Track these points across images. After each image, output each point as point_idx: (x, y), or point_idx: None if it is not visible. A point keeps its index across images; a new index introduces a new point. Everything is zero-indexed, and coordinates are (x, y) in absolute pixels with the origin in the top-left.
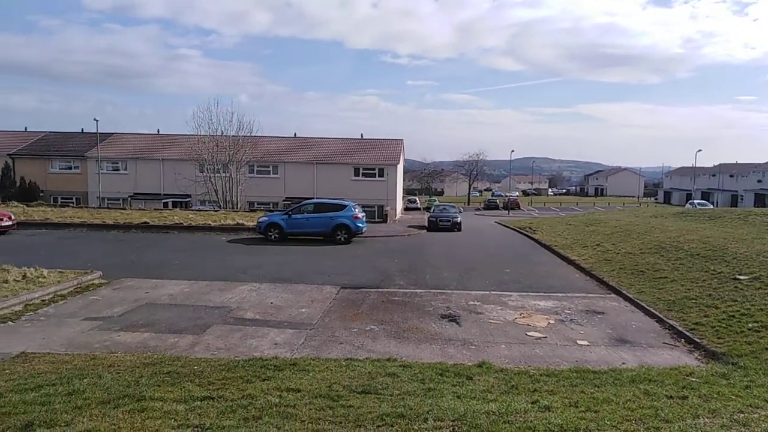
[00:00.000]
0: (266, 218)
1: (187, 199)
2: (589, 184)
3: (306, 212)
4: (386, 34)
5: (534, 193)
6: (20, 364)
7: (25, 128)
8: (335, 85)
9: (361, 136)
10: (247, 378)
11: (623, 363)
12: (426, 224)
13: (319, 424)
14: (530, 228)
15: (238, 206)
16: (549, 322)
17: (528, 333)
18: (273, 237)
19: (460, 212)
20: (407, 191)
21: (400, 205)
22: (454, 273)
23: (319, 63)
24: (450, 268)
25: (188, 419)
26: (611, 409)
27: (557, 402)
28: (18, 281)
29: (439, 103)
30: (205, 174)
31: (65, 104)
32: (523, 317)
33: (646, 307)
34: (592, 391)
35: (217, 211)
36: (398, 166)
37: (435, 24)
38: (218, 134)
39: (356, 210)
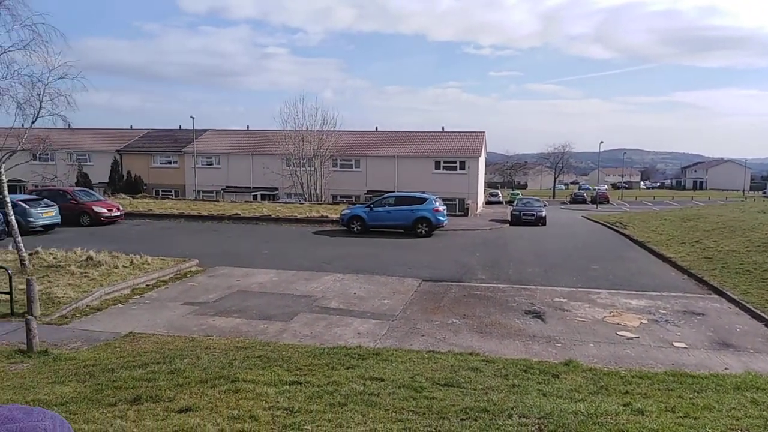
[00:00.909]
0: (349, 211)
1: (274, 192)
2: (686, 176)
3: (387, 205)
4: (469, 25)
5: (624, 187)
6: (129, 342)
7: (131, 126)
8: (417, 78)
9: (443, 128)
10: (332, 365)
11: (726, 368)
12: (508, 218)
13: (403, 413)
14: (620, 223)
15: (322, 199)
16: (641, 322)
17: (618, 332)
18: (355, 229)
19: (545, 206)
20: (489, 184)
21: (481, 198)
22: (539, 268)
23: (401, 57)
24: (534, 263)
25: (278, 402)
26: (713, 417)
27: (651, 406)
28: (126, 267)
29: (523, 93)
30: (291, 168)
31: (165, 103)
32: (613, 316)
33: (753, 309)
34: (690, 396)
35: (302, 203)
36: (480, 158)
37: (519, 13)
38: (303, 129)
39: (437, 203)
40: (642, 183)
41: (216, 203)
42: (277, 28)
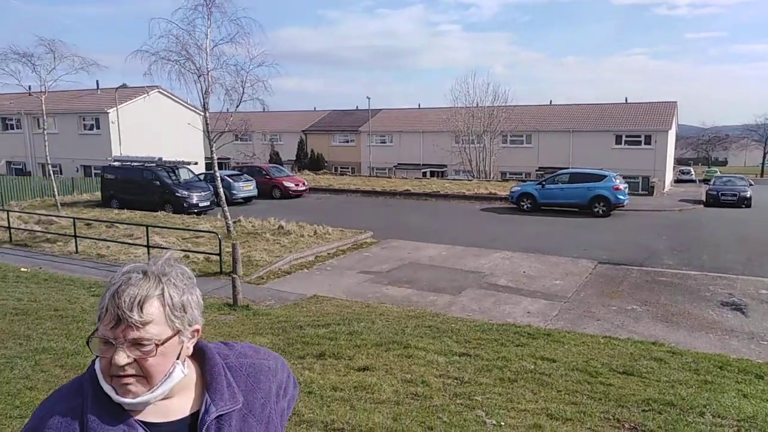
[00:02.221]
0: (519, 188)
1: (443, 169)
2: None
3: (561, 182)
4: None
5: None
6: (313, 304)
7: (314, 108)
8: (596, 47)
9: (626, 100)
10: (502, 341)
11: None
12: (703, 198)
13: (576, 396)
14: None
15: (491, 176)
16: None
17: None
18: (525, 207)
19: (750, 185)
20: (679, 161)
21: (669, 176)
22: (741, 255)
23: (580, 25)
24: (734, 249)
25: (448, 371)
26: None
27: None
28: (310, 236)
29: (726, 57)
30: (460, 145)
31: (344, 85)
32: None
33: None
34: None
35: (470, 180)
36: (669, 132)
37: None
38: (474, 106)
39: (617, 180)
40: None
41: (388, 179)
42: (450, 5)
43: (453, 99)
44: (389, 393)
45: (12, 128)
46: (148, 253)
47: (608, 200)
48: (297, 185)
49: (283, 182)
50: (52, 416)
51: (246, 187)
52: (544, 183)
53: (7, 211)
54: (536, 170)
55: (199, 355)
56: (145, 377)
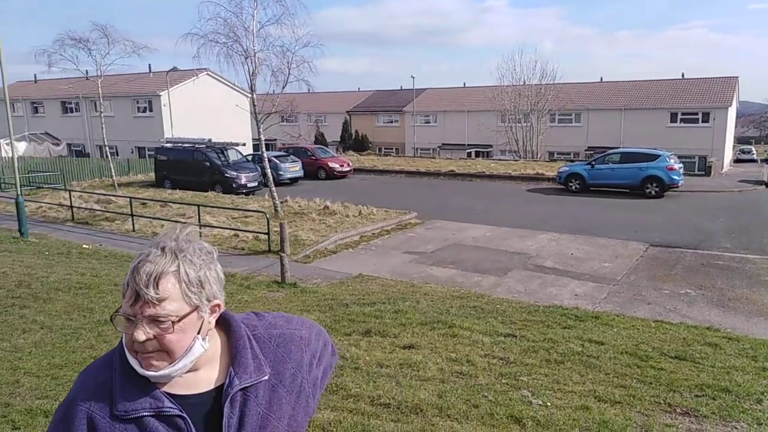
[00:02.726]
0: (567, 168)
1: (488, 149)
2: None
3: (611, 162)
4: None
5: None
6: (359, 283)
7: (358, 88)
8: (652, 20)
9: (682, 75)
10: (548, 323)
11: None
12: (765, 179)
13: (625, 380)
14: None
15: (538, 156)
16: None
17: None
18: (573, 188)
19: None
20: (739, 139)
21: (728, 155)
22: None
23: None
24: None
25: (493, 351)
26: None
27: None
28: (355, 216)
29: None
30: (506, 124)
31: (389, 65)
32: None
33: None
34: None
35: (516, 160)
36: (729, 109)
37: None
38: (520, 84)
39: (671, 160)
40: None
41: (432, 160)
42: None
43: (499, 77)
44: (434, 371)
45: (71, 111)
46: (200, 232)
47: (661, 181)
48: (342, 166)
49: (328, 163)
50: (85, 389)
51: (292, 168)
52: (593, 163)
53: (69, 190)
54: (585, 150)
55: (225, 327)
56: (166, 352)
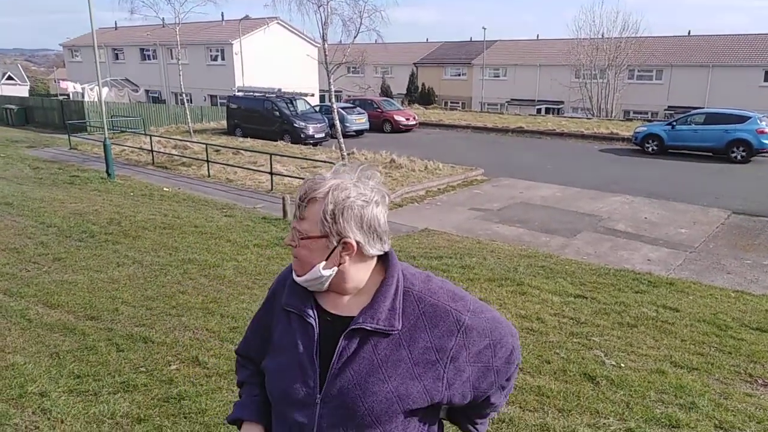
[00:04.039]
0: (644, 128)
1: (559, 106)
2: None
3: (694, 123)
4: None
5: None
6: (425, 237)
7: (426, 39)
8: None
9: None
10: (619, 287)
11: None
12: None
13: (703, 347)
14: None
15: (612, 114)
16: None
17: None
18: (650, 149)
19: None
20: None
21: None
22: None
23: None
24: None
25: (563, 311)
26: None
27: None
28: (421, 171)
29: None
30: (580, 80)
31: (460, 15)
32: None
33: None
34: None
35: (590, 118)
36: None
37: None
38: (599, 37)
39: (763, 123)
40: None
41: (500, 116)
42: None
43: (575, 29)
44: None
45: (149, 59)
46: (271, 180)
47: (749, 144)
48: (407, 119)
49: (394, 116)
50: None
51: (358, 120)
52: (674, 123)
53: (150, 135)
54: (665, 110)
55: (385, 272)
56: (300, 264)
